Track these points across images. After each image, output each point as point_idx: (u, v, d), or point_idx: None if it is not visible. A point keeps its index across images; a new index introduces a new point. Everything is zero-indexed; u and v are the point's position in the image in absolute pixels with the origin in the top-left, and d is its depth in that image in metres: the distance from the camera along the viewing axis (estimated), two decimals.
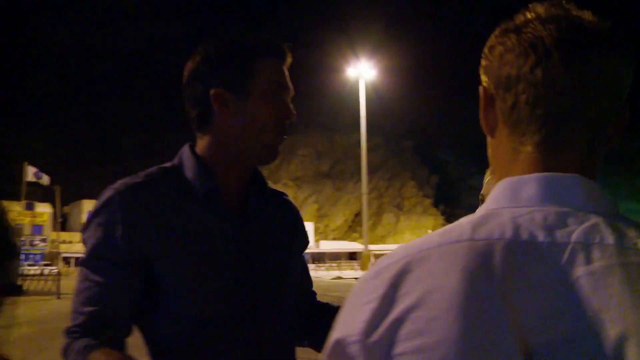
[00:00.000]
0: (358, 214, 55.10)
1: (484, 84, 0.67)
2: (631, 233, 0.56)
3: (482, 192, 1.54)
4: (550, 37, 0.60)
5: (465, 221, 0.59)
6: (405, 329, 0.53)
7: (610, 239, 0.54)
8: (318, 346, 1.19)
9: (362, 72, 32.00)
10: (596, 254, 0.53)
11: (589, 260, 0.53)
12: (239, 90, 1.09)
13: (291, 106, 1.13)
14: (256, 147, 1.11)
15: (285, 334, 1.16)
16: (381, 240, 53.97)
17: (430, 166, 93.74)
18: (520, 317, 0.51)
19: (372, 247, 34.04)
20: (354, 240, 51.40)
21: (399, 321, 0.53)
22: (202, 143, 1.14)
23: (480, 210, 0.61)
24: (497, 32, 0.66)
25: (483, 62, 0.68)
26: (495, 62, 0.65)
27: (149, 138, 64.37)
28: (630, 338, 0.49)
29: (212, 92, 1.08)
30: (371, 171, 47.87)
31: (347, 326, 0.58)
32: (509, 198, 0.60)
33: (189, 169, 1.11)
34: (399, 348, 0.53)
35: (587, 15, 0.62)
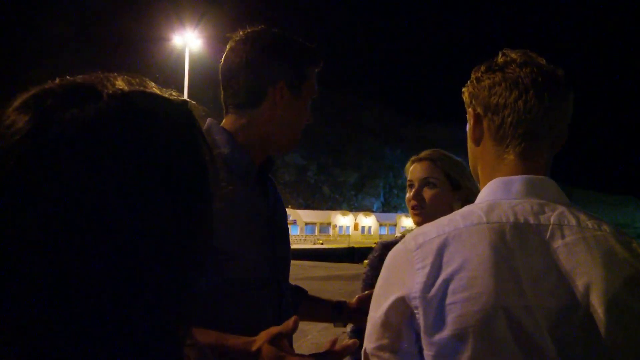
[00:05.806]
0: None
1: (472, 106, 0.91)
2: (582, 217, 0.81)
3: (408, 178, 1.70)
4: (527, 77, 0.85)
5: (476, 208, 0.83)
6: (453, 285, 0.75)
7: (573, 221, 0.80)
8: None
9: (187, 41, 30.00)
10: (567, 231, 0.79)
11: (563, 236, 0.78)
12: (295, 89, 1.24)
13: None
14: (289, 137, 1.28)
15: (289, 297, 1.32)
16: None
17: None
18: (525, 274, 0.75)
19: None
20: None
21: (448, 281, 0.75)
22: (236, 122, 1.25)
23: (482, 200, 0.86)
24: (482, 68, 0.90)
25: (470, 89, 0.91)
26: (484, 92, 0.88)
27: None
28: (593, 286, 0.74)
29: (279, 83, 1.22)
30: None
31: (406, 286, 0.77)
32: (503, 192, 0.84)
33: (225, 144, 1.21)
34: (450, 299, 0.75)
35: (544, 62, 0.89)
